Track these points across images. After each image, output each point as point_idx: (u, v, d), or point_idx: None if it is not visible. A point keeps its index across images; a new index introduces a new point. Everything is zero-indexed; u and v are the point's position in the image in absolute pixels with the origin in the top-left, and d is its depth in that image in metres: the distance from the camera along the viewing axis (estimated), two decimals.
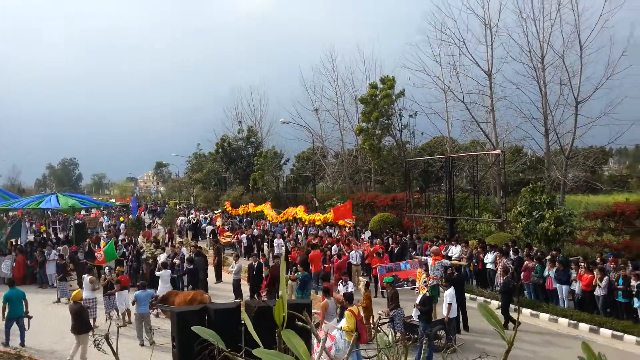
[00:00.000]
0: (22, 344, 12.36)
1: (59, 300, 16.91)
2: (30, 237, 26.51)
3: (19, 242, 23.76)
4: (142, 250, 19.29)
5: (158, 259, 17.96)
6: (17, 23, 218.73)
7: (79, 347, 10.80)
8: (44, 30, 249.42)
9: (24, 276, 20.04)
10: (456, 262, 15.60)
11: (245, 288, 16.50)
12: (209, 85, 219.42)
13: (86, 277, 14.26)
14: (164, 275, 15.20)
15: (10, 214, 37.98)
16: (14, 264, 20.03)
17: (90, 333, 10.77)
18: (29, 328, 12.57)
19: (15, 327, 12.49)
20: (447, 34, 24.44)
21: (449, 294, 11.56)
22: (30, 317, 12.61)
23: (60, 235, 30.51)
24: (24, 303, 12.62)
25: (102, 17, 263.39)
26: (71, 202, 22.62)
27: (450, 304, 11.46)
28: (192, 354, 6.65)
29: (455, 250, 17.86)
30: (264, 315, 5.85)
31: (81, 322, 10.85)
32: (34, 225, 37.64)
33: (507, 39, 23.20)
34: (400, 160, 26.44)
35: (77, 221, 29.67)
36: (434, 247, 15.08)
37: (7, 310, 12.39)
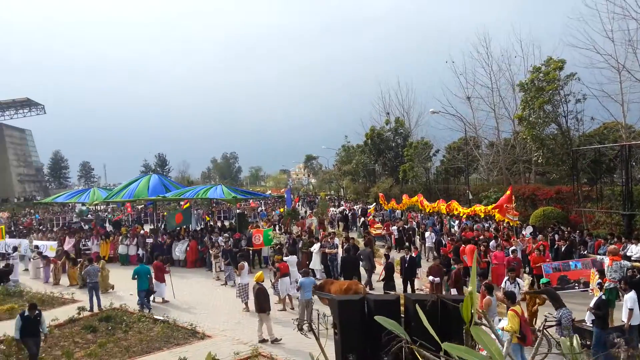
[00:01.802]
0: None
1: (225, 283, 18.30)
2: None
3: (190, 229, 26.35)
4: (297, 240, 20.12)
5: (312, 249, 18.61)
6: (187, 29, 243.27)
7: (263, 324, 11.68)
8: (204, 33, 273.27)
9: (196, 260, 22.14)
10: (638, 263, 13.78)
11: (398, 280, 16.33)
12: (356, 77, 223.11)
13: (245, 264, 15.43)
14: (291, 260, 16.08)
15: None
16: (187, 249, 22.21)
17: (267, 312, 11.80)
18: (154, 300, 15.63)
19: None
20: (622, 6, 21.72)
21: (629, 298, 10.19)
22: (154, 292, 15.54)
23: (226, 223, 33.18)
24: (149, 279, 15.13)
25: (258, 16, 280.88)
26: (234, 193, 24.44)
27: (631, 310, 10.10)
28: (353, 341, 6.73)
29: (635, 250, 15.78)
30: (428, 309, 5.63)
31: (263, 302, 11.74)
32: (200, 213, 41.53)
33: None
34: (566, 149, 24.08)
35: (237, 211, 32.00)
36: (612, 246, 13.46)
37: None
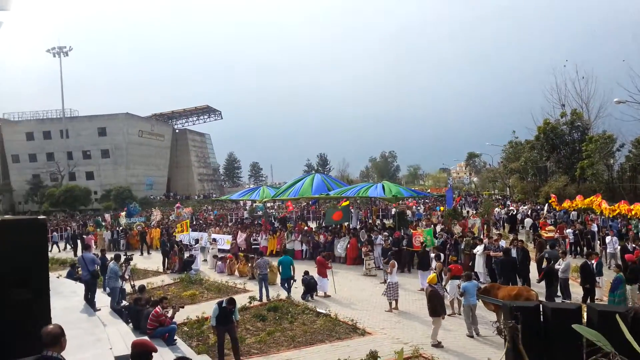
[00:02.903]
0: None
1: (384, 281, 18.16)
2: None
3: (350, 226, 26.80)
4: (460, 240, 19.23)
5: (475, 250, 17.65)
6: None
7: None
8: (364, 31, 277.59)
9: (356, 257, 22.40)
10: None
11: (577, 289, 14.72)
12: (519, 69, 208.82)
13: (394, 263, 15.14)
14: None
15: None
16: (348, 246, 22.58)
17: (442, 316, 11.43)
18: (316, 294, 16.36)
19: None
20: None
21: None
22: (294, 280, 16.46)
23: (385, 222, 33.16)
24: (291, 268, 16.50)
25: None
26: (395, 191, 24.17)
27: None
28: (527, 348, 6.11)
29: None
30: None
31: (436, 305, 11.35)
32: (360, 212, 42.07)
33: None
34: None
35: (394, 210, 31.71)
36: None
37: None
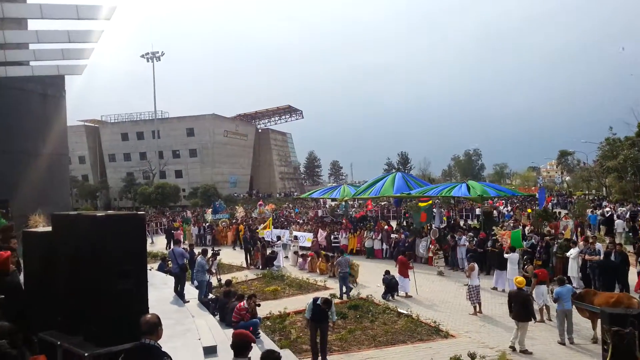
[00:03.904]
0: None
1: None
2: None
3: (432, 226, 26.22)
4: (551, 243, 18.23)
5: (568, 254, 16.68)
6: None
7: (518, 333, 10.93)
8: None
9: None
10: None
11: None
12: (615, 60, 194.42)
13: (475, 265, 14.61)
14: (513, 257, 15.92)
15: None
16: (430, 246, 22.11)
17: (532, 321, 11.03)
18: (397, 294, 16.09)
19: None
20: None
21: None
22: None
23: (470, 222, 32.17)
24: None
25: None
26: (480, 191, 23.35)
27: None
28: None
29: None
30: None
31: (522, 309, 10.91)
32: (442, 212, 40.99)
33: None
34: None
35: (477, 210, 30.60)
36: None
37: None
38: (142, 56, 72.48)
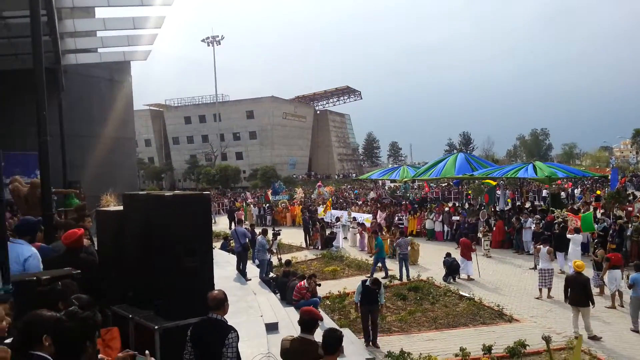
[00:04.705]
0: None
1: (535, 267, 17.08)
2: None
3: (497, 208, 25.48)
4: (625, 226, 17.28)
5: None
6: None
7: (578, 318, 10.57)
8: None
9: (502, 241, 21.30)
10: None
11: None
12: None
13: (543, 249, 14.03)
14: (576, 239, 15.41)
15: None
16: (494, 229, 21.51)
17: (591, 306, 10.51)
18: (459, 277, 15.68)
19: None
20: None
21: None
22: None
23: (536, 204, 31.00)
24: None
25: None
26: (548, 172, 22.36)
27: None
28: None
29: None
30: None
31: (582, 294, 10.54)
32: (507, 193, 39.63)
33: None
34: None
35: (544, 191, 29.38)
36: None
37: None
38: (203, 40, 73.91)
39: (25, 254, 5.07)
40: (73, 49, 17.98)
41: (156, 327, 4.44)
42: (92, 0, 16.75)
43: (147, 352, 3.17)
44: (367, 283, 10.45)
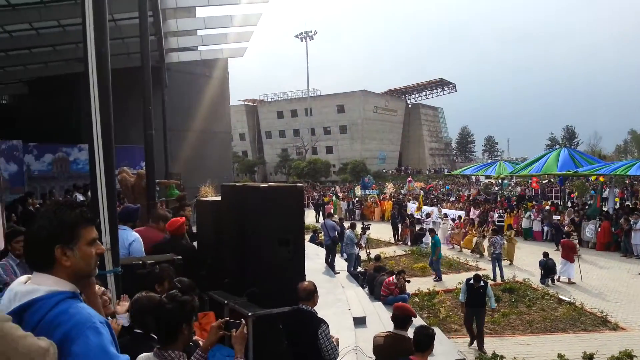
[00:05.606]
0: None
1: None
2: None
3: (602, 207, 23.76)
4: None
5: None
6: None
7: None
8: None
9: (608, 243, 19.83)
10: None
11: None
12: None
13: None
14: None
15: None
16: (599, 229, 20.10)
17: None
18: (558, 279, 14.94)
19: None
20: None
21: None
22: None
23: None
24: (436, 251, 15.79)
25: None
26: None
27: None
28: None
29: None
30: None
31: None
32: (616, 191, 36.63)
33: None
34: None
35: None
36: None
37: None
38: (296, 36, 75.21)
39: (130, 238, 5.51)
40: (175, 47, 19.06)
41: (249, 313, 4.59)
42: (194, 0, 17.63)
43: (242, 320, 3.34)
44: (471, 281, 10.15)
